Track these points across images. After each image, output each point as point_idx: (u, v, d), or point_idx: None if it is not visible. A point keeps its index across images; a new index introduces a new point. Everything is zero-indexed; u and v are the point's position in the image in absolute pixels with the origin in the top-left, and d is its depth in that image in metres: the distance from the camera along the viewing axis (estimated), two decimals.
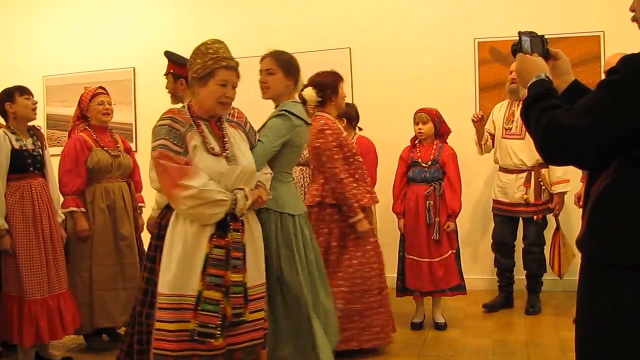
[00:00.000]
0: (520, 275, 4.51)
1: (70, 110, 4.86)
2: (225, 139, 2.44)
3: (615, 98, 1.37)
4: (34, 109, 3.55)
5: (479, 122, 4.30)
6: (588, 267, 1.51)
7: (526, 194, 4.25)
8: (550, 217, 4.34)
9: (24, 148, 3.44)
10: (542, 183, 4.24)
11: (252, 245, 2.42)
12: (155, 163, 2.32)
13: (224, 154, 2.39)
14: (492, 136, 4.44)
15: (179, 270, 2.26)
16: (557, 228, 4.29)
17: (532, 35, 1.72)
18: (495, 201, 4.45)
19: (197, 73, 2.38)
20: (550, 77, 1.62)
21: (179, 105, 2.57)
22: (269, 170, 2.72)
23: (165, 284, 2.27)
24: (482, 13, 5.06)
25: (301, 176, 4.26)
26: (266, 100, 3.01)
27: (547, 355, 3.51)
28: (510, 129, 4.32)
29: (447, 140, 4.12)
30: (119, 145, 3.87)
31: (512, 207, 4.34)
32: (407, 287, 4.07)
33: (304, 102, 3.35)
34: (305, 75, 5.13)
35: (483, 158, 4.65)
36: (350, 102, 4.57)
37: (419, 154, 4.06)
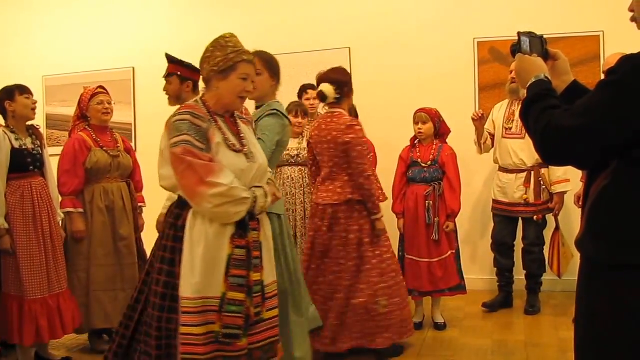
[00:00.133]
0: (519, 275, 4.51)
1: (69, 110, 4.87)
2: (242, 135, 2.40)
3: (615, 98, 1.37)
4: (34, 109, 3.55)
5: (479, 120, 4.30)
6: (587, 267, 1.51)
7: (526, 193, 4.25)
8: (550, 217, 4.34)
9: (23, 147, 3.44)
10: (542, 183, 4.24)
11: (266, 244, 2.40)
12: (176, 159, 2.21)
13: (244, 150, 2.35)
14: (492, 136, 4.44)
15: (203, 272, 2.20)
16: (557, 228, 4.30)
17: (531, 35, 1.72)
18: (495, 201, 4.45)
19: (218, 66, 2.31)
20: (550, 78, 1.62)
21: (191, 100, 2.49)
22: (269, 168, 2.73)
23: (189, 287, 2.20)
24: (482, 13, 5.06)
25: (300, 176, 4.25)
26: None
27: (547, 355, 3.51)
28: (511, 128, 4.33)
29: (447, 140, 4.12)
30: (118, 145, 3.86)
31: (511, 207, 4.34)
32: (406, 287, 4.07)
33: (323, 98, 3.37)
34: (305, 75, 5.17)
35: (483, 158, 4.65)
36: None
37: (418, 154, 4.06)
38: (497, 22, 4.96)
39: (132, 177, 3.94)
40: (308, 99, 4.67)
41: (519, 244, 4.45)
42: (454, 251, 4.04)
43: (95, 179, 3.73)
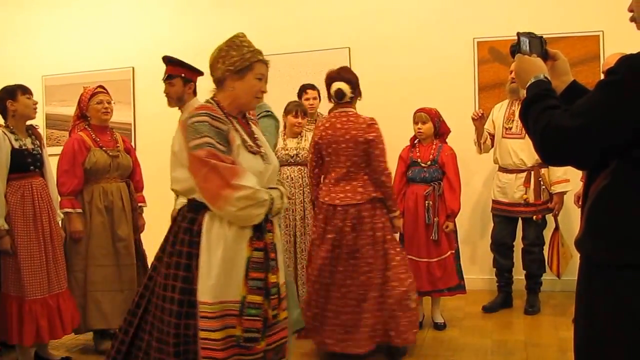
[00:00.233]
0: (519, 275, 4.51)
1: (69, 110, 4.87)
2: (255, 136, 2.37)
3: (614, 98, 1.37)
4: (35, 109, 3.56)
5: (479, 120, 4.30)
6: (587, 267, 1.51)
7: (526, 193, 4.25)
8: (549, 217, 4.34)
9: (23, 148, 3.44)
10: (541, 183, 4.24)
11: (279, 245, 2.39)
12: (199, 162, 2.14)
13: (260, 152, 2.32)
14: (492, 136, 4.44)
15: (221, 276, 2.16)
16: (556, 228, 4.30)
17: (530, 35, 1.72)
18: (495, 201, 4.45)
19: (234, 66, 2.26)
20: (549, 78, 1.62)
21: (200, 103, 2.43)
22: None
23: (207, 291, 2.16)
24: (482, 13, 5.06)
25: (300, 176, 4.25)
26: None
27: (546, 355, 3.51)
28: (511, 128, 4.32)
29: (447, 140, 4.12)
30: (118, 145, 3.85)
31: (511, 207, 4.34)
32: None
33: (341, 96, 3.36)
34: (304, 75, 5.17)
35: (482, 158, 4.65)
36: None
37: (418, 154, 4.06)
38: (497, 22, 4.96)
39: (132, 177, 3.93)
40: (308, 99, 4.67)
41: (518, 244, 4.45)
42: (453, 251, 4.03)
43: (94, 179, 3.72)
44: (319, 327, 3.42)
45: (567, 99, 1.61)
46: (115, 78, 5.82)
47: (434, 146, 4.05)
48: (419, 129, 4.05)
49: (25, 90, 3.51)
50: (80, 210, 3.68)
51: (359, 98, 3.57)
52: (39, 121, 5.13)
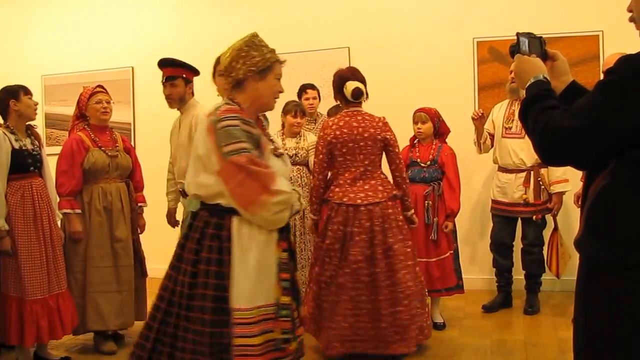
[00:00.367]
0: (518, 275, 4.51)
1: (68, 110, 4.87)
2: (272, 138, 2.37)
3: (613, 98, 1.36)
4: (36, 109, 3.57)
5: (479, 120, 4.30)
6: (586, 267, 1.51)
7: (525, 193, 4.25)
8: (549, 217, 4.34)
9: (23, 148, 3.44)
10: (541, 183, 4.23)
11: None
12: (236, 167, 2.11)
13: (282, 154, 2.33)
14: (491, 136, 4.44)
15: (257, 281, 2.15)
16: (555, 228, 4.29)
17: (530, 36, 1.72)
18: (494, 201, 4.45)
19: (257, 67, 2.23)
20: (548, 78, 1.62)
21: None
22: None
23: (243, 297, 2.13)
24: (482, 13, 5.06)
25: (299, 175, 4.25)
26: None
27: (546, 355, 3.51)
28: (510, 128, 4.32)
29: (447, 140, 4.12)
30: (117, 145, 3.84)
31: (511, 207, 4.34)
32: None
33: (358, 96, 3.35)
34: (304, 75, 5.17)
35: (482, 158, 4.65)
36: None
37: (417, 154, 4.06)
38: (497, 21, 4.96)
39: (132, 177, 3.93)
40: (307, 99, 4.67)
41: (518, 244, 4.45)
42: (452, 252, 4.03)
43: (93, 180, 3.72)
44: (362, 334, 3.26)
45: (566, 99, 1.60)
46: (114, 78, 5.82)
47: (433, 146, 4.05)
48: (418, 128, 4.04)
49: (27, 91, 3.52)
50: (79, 211, 3.67)
51: (367, 97, 3.58)
52: (38, 121, 5.12)
